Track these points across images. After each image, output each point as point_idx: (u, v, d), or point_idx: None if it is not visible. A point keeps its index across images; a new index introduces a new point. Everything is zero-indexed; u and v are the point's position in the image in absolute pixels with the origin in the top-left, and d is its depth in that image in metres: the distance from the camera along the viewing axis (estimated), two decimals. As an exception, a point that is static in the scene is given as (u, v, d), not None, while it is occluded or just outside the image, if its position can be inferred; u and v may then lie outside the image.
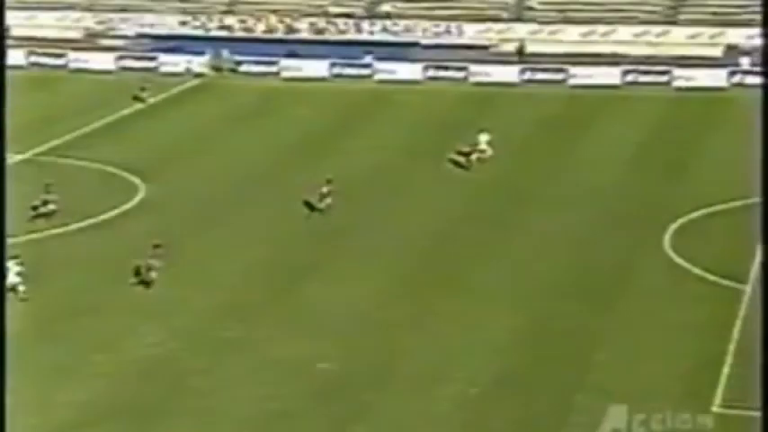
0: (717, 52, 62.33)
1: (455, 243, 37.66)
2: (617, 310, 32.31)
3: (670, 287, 33.71)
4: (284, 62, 62.67)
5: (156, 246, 34.24)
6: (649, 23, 65.88)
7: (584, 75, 58.72)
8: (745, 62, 58.63)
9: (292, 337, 30.87)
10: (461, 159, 45.51)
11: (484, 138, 45.35)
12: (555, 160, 45.30)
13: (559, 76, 59.25)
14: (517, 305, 32.79)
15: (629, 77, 58.48)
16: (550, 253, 36.53)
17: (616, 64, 59.42)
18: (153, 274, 33.88)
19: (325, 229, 39.05)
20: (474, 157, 45.14)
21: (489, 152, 45.15)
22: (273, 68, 62.51)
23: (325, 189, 40.09)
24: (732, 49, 61.77)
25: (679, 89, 57.12)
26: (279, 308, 32.96)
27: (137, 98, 56.18)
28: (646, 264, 35.54)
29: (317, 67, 61.67)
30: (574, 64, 59.71)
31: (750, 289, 32.90)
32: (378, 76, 61.04)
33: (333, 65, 61.83)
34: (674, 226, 38.08)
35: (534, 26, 66.94)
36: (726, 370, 28.16)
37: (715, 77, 57.24)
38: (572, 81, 58.71)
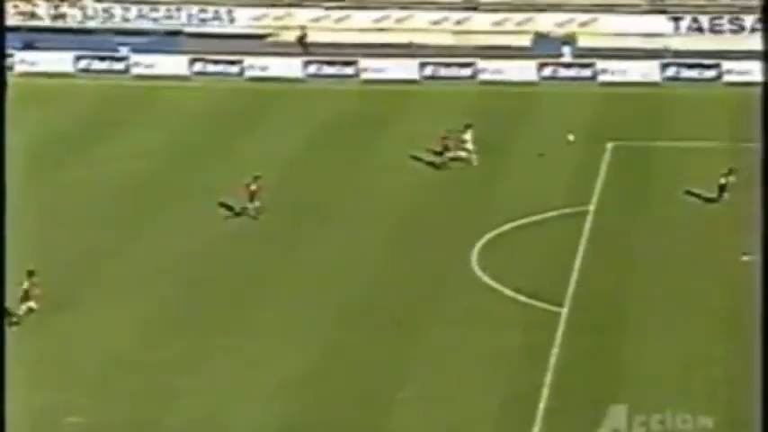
0: (525, 41, 64.26)
1: (228, 267, 37.46)
2: (420, 340, 32.81)
3: (479, 311, 34.46)
4: (19, 55, 61.08)
5: (31, 273, 33.10)
6: (448, 8, 67.37)
7: (377, 68, 59.57)
8: (567, 52, 60.63)
9: (34, 386, 29.94)
10: (435, 159, 46.08)
11: (468, 136, 46.05)
12: (342, 166, 45.69)
13: (349, 70, 59.92)
14: (305, 338, 32.85)
15: (428, 70, 59.62)
16: (343, 275, 36.78)
17: (413, 55, 60.47)
18: (30, 305, 32.97)
19: (69, 253, 38.16)
20: (449, 155, 45.78)
21: (464, 153, 45.93)
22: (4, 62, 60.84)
23: (253, 188, 40.03)
24: (542, 38, 63.80)
25: (484, 83, 58.62)
26: (15, 349, 31.94)
27: None
28: (451, 285, 36.23)
29: (58, 61, 60.43)
30: (365, 56, 60.47)
31: (566, 311, 34.01)
32: (135, 71, 60.28)
33: (79, 58, 60.73)
34: (481, 242, 38.99)
35: (318, 11, 67.41)
36: (542, 404, 28.96)
37: (524, 70, 59.00)
38: (364, 75, 59.44)
